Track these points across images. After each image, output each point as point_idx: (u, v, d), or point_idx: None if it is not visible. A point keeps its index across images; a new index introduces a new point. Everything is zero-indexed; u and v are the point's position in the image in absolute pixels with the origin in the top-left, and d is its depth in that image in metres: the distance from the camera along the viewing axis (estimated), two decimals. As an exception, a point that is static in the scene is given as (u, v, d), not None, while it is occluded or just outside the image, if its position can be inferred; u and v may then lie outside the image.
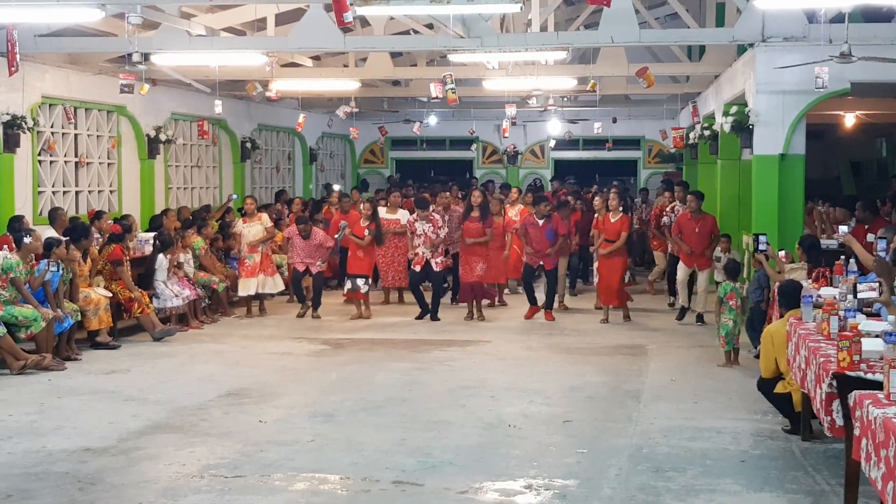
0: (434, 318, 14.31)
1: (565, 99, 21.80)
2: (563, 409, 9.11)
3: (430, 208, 14.94)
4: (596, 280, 14.80)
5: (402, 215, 15.39)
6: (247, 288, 14.73)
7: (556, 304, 14.78)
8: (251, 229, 14.90)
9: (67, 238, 11.85)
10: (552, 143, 26.64)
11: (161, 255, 13.42)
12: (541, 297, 14.49)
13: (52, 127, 14.66)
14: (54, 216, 13.48)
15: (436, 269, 14.35)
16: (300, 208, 17.37)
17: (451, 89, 14.01)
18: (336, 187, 20.30)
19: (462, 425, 8.52)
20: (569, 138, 25.86)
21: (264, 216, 15.22)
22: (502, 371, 10.95)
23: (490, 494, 6.74)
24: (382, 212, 15.33)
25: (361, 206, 15.37)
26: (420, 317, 14.38)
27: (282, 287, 15.42)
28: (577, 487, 6.86)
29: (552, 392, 9.82)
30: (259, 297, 14.91)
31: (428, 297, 14.48)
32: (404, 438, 8.07)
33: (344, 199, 16.79)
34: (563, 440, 8.10)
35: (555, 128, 24.83)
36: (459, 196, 18.44)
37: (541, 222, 14.33)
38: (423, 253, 14.28)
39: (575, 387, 10.07)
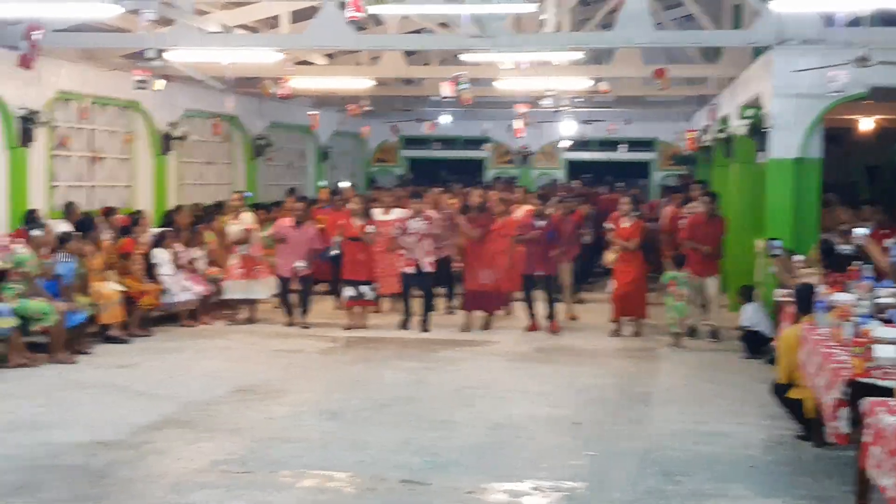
0: (425, 328, 13.33)
1: (579, 99, 21.74)
2: (572, 411, 9.08)
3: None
4: (611, 288, 13.51)
5: (397, 215, 14.24)
6: (228, 290, 13.91)
7: (562, 314, 13.95)
8: (234, 228, 14.05)
9: (80, 232, 11.88)
10: (565, 144, 26.59)
11: (157, 250, 13.39)
12: (542, 308, 13.50)
13: (66, 122, 14.69)
14: (68, 211, 13.54)
15: (427, 269, 13.34)
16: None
17: (465, 88, 13.97)
18: (345, 184, 20.10)
19: (470, 425, 8.50)
20: (582, 139, 25.80)
21: (246, 215, 14.30)
22: (511, 372, 10.93)
23: (497, 495, 6.72)
24: (377, 213, 14.29)
25: (350, 203, 14.19)
26: (403, 325, 13.47)
27: (272, 291, 14.15)
28: (585, 490, 6.84)
29: (561, 394, 9.79)
30: (249, 303, 14.07)
31: (417, 305, 13.55)
32: (411, 437, 8.06)
33: (336, 197, 16.30)
34: (572, 442, 8.08)
35: (568, 128, 24.76)
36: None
37: (540, 224, 13.42)
38: (414, 255, 13.32)
39: (584, 389, 10.03)
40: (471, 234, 13.52)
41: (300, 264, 13.53)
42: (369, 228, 13.48)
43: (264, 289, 14.09)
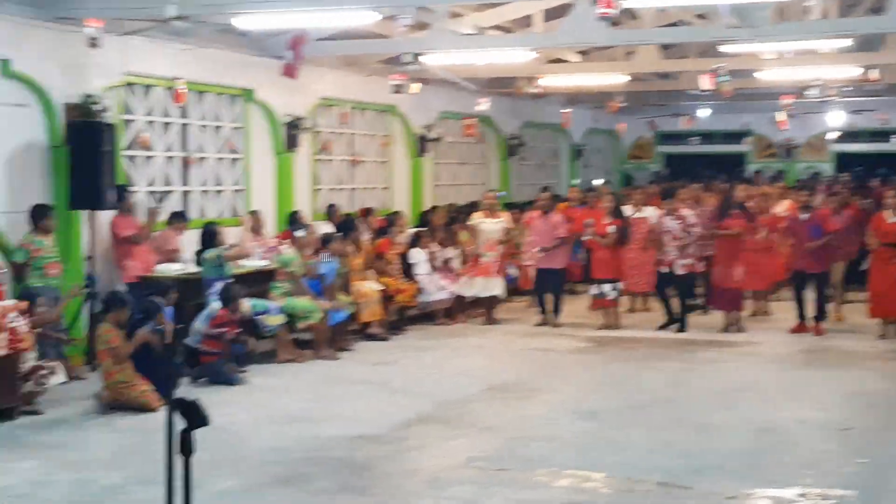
0: (681, 328, 12.94)
1: (847, 88, 20.60)
2: (841, 416, 8.60)
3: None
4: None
5: (649, 213, 13.86)
6: (472, 287, 13.70)
7: (831, 316, 13.14)
8: (490, 226, 13.77)
9: (341, 233, 12.35)
10: (833, 136, 25.28)
11: (414, 250, 13.66)
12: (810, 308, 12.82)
13: (328, 127, 15.30)
14: (330, 212, 14.10)
15: (680, 271, 12.82)
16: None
17: (725, 81, 13.53)
18: (599, 182, 19.89)
19: (732, 428, 8.21)
20: (851, 130, 24.47)
21: (507, 215, 14.24)
22: (773, 374, 10.49)
23: (761, 501, 6.43)
24: (628, 211, 13.88)
25: (603, 201, 13.77)
26: (664, 326, 13.06)
27: (502, 291, 14.00)
28: (856, 498, 6.44)
29: (828, 397, 9.30)
30: (489, 302, 13.84)
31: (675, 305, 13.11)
32: (670, 439, 7.85)
33: (590, 195, 16.11)
34: (841, 448, 7.64)
35: (836, 119, 23.52)
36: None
37: (804, 217, 12.83)
38: (671, 254, 12.88)
39: (854, 393, 9.49)
40: (731, 231, 12.84)
41: (538, 250, 13.57)
42: (609, 229, 13.17)
43: (497, 288, 13.87)
